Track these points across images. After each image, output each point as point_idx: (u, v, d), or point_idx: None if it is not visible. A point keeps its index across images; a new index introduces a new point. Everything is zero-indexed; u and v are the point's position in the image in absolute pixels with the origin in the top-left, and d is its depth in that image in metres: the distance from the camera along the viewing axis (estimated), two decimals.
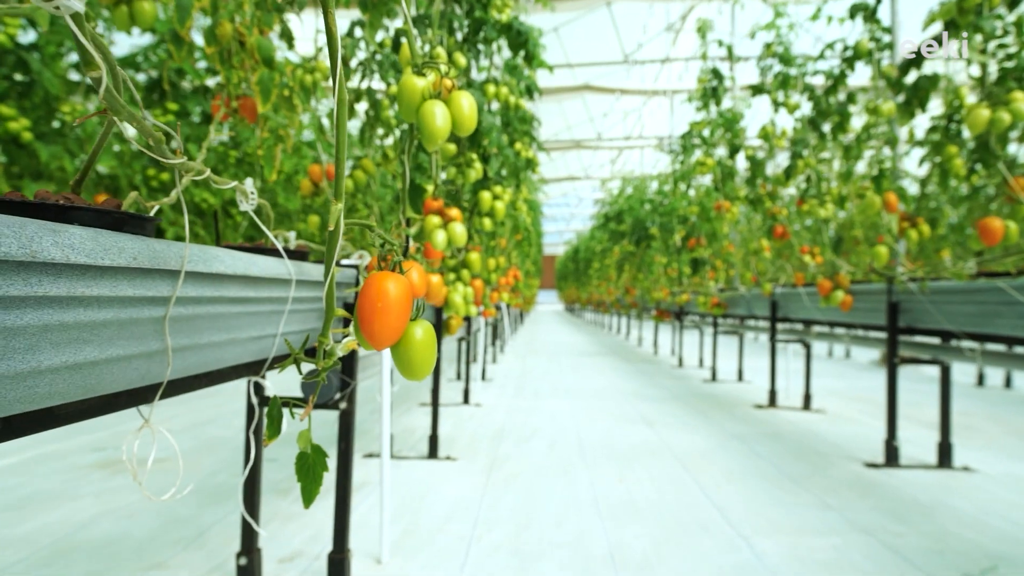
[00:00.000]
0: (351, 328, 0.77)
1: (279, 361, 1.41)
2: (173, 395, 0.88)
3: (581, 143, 15.75)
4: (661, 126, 13.70)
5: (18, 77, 2.94)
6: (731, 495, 2.28)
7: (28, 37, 2.95)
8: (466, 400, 4.15)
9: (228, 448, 2.89)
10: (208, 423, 3.41)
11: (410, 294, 0.68)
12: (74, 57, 3.03)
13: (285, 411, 0.75)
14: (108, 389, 0.68)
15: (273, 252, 1.10)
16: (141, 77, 3.72)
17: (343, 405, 1.43)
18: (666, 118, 12.48)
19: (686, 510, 2.11)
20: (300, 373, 0.82)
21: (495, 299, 3.89)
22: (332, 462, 1.86)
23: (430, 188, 1.93)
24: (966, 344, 2.61)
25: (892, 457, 2.69)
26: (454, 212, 1.80)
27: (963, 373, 5.91)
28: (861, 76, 3.73)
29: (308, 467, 0.84)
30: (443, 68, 1.07)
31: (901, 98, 2.84)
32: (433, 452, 2.78)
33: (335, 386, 1.40)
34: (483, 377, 5.39)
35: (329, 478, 2.16)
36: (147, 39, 3.81)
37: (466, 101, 1.09)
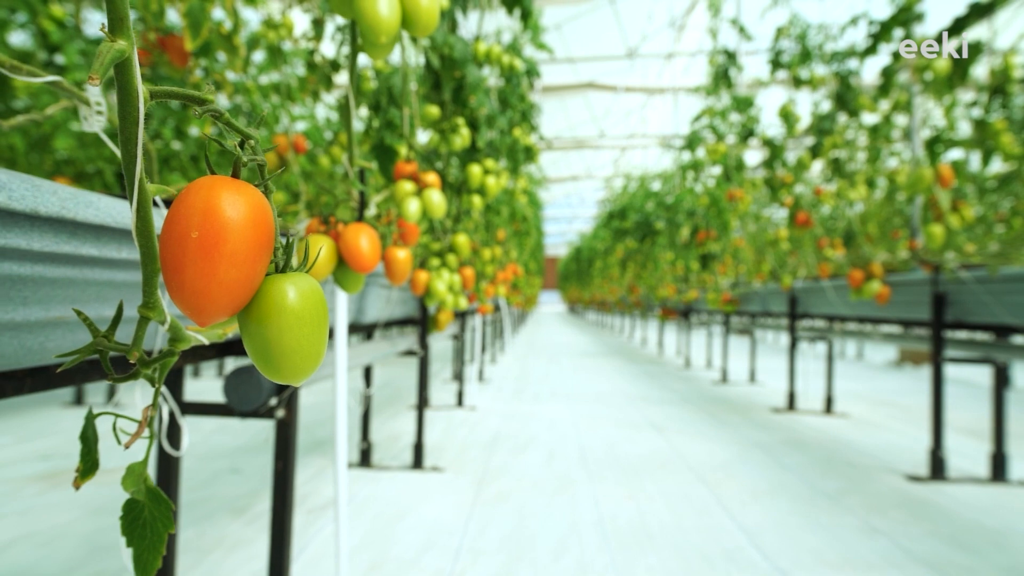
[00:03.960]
0: None
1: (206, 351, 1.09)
2: None
3: (584, 142, 15.44)
4: (664, 124, 13.39)
5: None
6: (760, 516, 1.95)
7: None
8: (460, 403, 3.83)
9: (193, 456, 2.57)
10: None
11: (267, 221, 0.36)
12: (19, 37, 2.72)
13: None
14: None
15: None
16: None
17: (279, 413, 1.11)
18: (669, 116, 12.17)
19: (709, 535, 1.79)
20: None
21: (491, 293, 3.57)
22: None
23: (403, 150, 1.62)
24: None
25: (938, 469, 2.36)
26: (431, 177, 1.48)
27: (984, 375, 5.57)
28: (881, 61, 3.41)
29: (142, 524, 0.53)
30: None
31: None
32: (418, 462, 2.46)
33: (267, 389, 1.08)
34: (480, 378, 5.07)
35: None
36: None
37: None
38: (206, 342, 0.53)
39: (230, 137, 0.44)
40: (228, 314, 0.36)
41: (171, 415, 1.09)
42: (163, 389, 0.92)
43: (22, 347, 0.60)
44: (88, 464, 0.54)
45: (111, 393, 3.76)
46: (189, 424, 3.20)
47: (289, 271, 0.40)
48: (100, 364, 0.77)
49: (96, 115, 0.65)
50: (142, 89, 0.37)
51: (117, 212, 0.64)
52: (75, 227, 0.60)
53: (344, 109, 0.87)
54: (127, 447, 0.49)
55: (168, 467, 1.13)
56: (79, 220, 0.59)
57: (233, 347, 1.18)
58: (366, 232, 0.97)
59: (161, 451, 1.23)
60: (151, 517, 0.52)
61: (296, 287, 0.38)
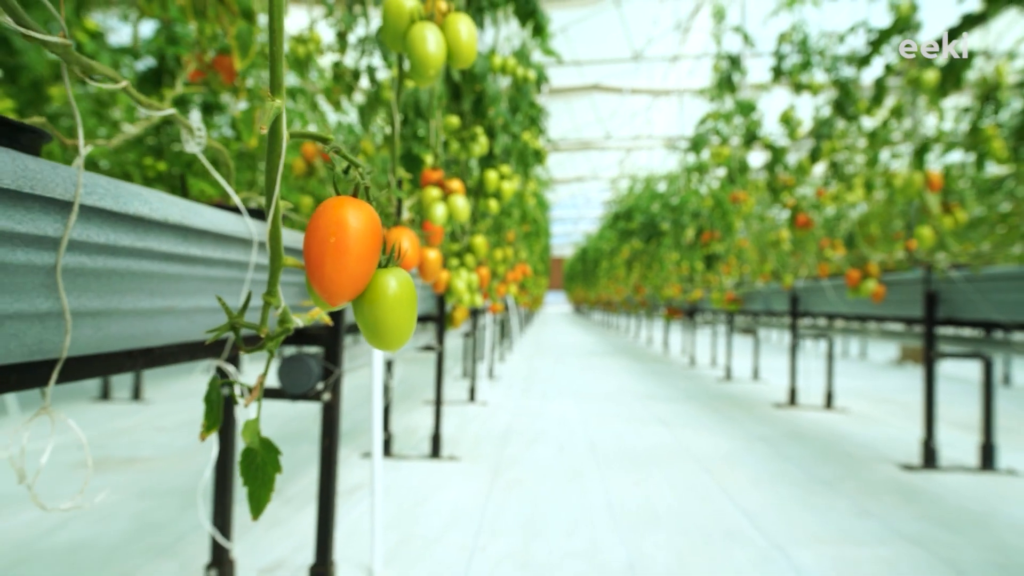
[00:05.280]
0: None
1: (251, 343, 1.23)
2: (90, 375, 0.70)
3: (589, 143, 15.56)
4: (670, 126, 13.51)
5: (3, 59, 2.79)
6: (760, 501, 2.08)
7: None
8: (472, 398, 3.97)
9: None
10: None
11: (379, 230, 0.49)
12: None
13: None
14: None
15: (234, 210, 0.92)
16: (142, 65, 3.54)
17: (326, 396, 1.25)
18: (675, 118, 12.30)
19: (711, 517, 1.92)
20: (251, 350, 0.64)
21: (502, 292, 3.71)
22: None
23: (429, 159, 1.75)
24: (1012, 336, 2.40)
25: (930, 459, 2.48)
26: (455, 184, 1.61)
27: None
28: (878, 69, 3.53)
29: (256, 468, 0.66)
30: None
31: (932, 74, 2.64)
32: (435, 452, 2.60)
33: (316, 374, 1.22)
34: (490, 375, 5.20)
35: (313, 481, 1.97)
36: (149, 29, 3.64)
37: (464, 26, 0.91)
38: (302, 324, 0.67)
39: (337, 163, 0.58)
40: (351, 298, 0.49)
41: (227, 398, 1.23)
42: (232, 370, 1.06)
43: (144, 331, 0.73)
44: (211, 421, 0.68)
45: (136, 390, 3.90)
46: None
47: (391, 266, 0.53)
48: (188, 349, 0.91)
49: (197, 139, 0.78)
50: (286, 133, 0.50)
51: (217, 220, 0.78)
52: (187, 232, 0.74)
53: (391, 131, 1.01)
54: (247, 405, 0.63)
55: (226, 443, 1.27)
56: (191, 227, 0.73)
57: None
58: (407, 235, 1.10)
59: (221, 433, 1.36)
60: (263, 462, 0.66)
61: (396, 279, 0.51)
